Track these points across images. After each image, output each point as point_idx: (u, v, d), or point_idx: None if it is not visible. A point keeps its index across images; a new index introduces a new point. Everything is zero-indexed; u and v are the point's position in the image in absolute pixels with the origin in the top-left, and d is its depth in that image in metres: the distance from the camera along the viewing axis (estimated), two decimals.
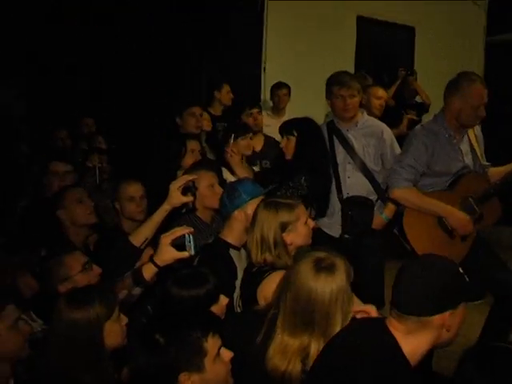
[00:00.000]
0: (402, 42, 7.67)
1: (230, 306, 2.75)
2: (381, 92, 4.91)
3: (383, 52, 7.53)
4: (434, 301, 1.88)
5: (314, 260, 2.22)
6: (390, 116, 5.16)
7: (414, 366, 1.90)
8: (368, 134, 4.02)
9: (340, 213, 3.96)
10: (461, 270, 1.94)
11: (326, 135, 4.04)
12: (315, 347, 2.14)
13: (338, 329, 2.13)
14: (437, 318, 1.88)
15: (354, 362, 1.90)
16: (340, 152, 4.00)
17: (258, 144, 5.14)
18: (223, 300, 2.61)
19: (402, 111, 6.44)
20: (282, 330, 2.20)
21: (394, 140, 4.12)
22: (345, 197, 3.97)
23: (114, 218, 3.89)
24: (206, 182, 3.53)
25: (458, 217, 3.47)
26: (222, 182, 3.85)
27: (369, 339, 1.95)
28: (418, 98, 6.89)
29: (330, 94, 4.02)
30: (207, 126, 5.37)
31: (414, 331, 1.90)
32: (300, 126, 3.97)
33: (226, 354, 2.05)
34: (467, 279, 1.93)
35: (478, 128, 3.79)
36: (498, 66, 8.54)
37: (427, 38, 7.74)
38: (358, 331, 2.04)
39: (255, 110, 5.35)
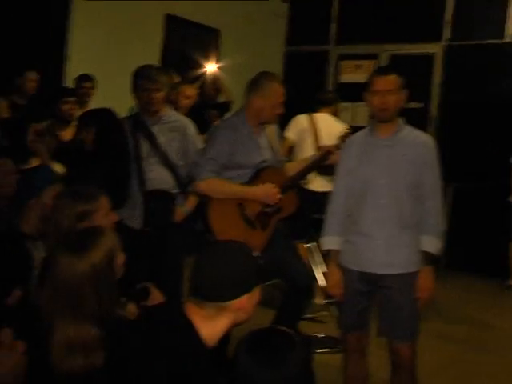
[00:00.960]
0: (208, 43, 7.84)
1: (24, 297, 2.65)
2: (189, 91, 4.96)
3: (190, 52, 7.64)
4: (232, 287, 1.92)
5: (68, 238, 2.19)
6: (193, 112, 5.24)
7: (213, 348, 1.94)
8: (172, 128, 4.07)
9: (142, 205, 3.97)
10: (254, 254, 2.02)
11: (129, 128, 4.02)
12: (70, 333, 2.05)
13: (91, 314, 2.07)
14: (235, 303, 1.92)
15: (150, 349, 1.89)
16: (144, 145, 4.00)
17: (69, 135, 4.97)
18: (16, 293, 2.50)
19: (203, 111, 6.55)
20: (53, 322, 2.10)
21: (197, 136, 4.22)
22: (147, 190, 3.98)
23: None
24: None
25: (262, 190, 3.64)
26: (19, 170, 3.70)
27: (165, 325, 1.96)
28: (220, 98, 7.07)
29: (135, 87, 4.01)
30: (5, 112, 5.09)
31: (213, 315, 1.93)
32: (99, 118, 3.91)
33: (19, 345, 1.97)
34: (261, 262, 2.02)
35: (274, 126, 3.99)
36: (295, 74, 9.07)
37: (231, 42, 7.99)
38: (152, 318, 2.05)
39: (73, 99, 5.13)
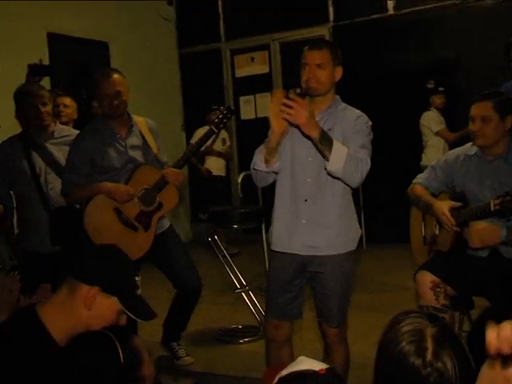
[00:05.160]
0: (98, 57, 7.74)
1: None
2: (68, 100, 4.93)
3: (79, 68, 7.52)
4: (91, 268, 2.03)
5: None
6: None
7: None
8: (66, 142, 4.03)
9: (48, 226, 3.90)
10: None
11: (21, 148, 3.97)
12: None
13: None
14: (85, 289, 1.99)
15: (8, 358, 1.90)
16: (39, 163, 3.96)
17: None
18: None
19: None
20: None
21: None
22: (52, 207, 3.94)
23: None
24: None
25: (114, 188, 3.63)
26: None
27: (18, 330, 1.98)
28: None
29: (20, 106, 4.00)
30: None
31: (64, 302, 2.00)
32: None
33: None
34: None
35: (151, 122, 3.99)
36: (192, 75, 9.18)
37: (122, 53, 7.91)
38: (8, 326, 2.05)
39: None
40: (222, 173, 8.18)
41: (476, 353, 1.55)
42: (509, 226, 3.05)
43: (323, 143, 2.79)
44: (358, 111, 3.10)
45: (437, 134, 7.18)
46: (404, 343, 1.50)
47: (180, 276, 3.92)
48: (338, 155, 2.80)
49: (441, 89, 7.32)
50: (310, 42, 3.08)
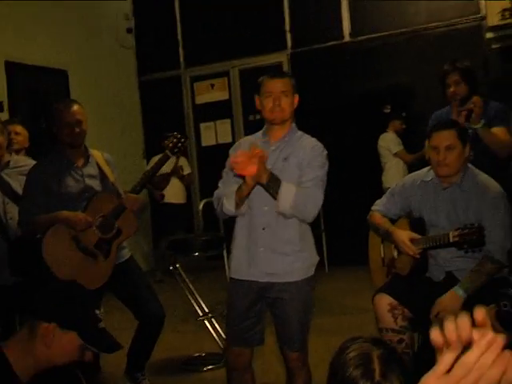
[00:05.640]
0: (57, 85, 7.71)
1: None
2: (19, 128, 4.89)
3: (38, 97, 7.48)
4: (49, 307, 2.04)
5: None
6: None
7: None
8: (22, 172, 4.01)
9: (7, 256, 3.84)
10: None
11: None
12: None
13: None
14: (43, 326, 1.99)
15: None
16: None
17: None
18: None
19: None
20: None
21: None
22: (11, 238, 3.90)
23: None
24: None
25: (72, 215, 3.61)
26: None
27: None
28: None
29: None
30: None
31: (26, 342, 2.01)
32: None
33: None
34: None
35: (107, 155, 4.02)
36: (153, 102, 9.23)
37: (81, 81, 7.91)
38: None
39: None
40: (181, 200, 8.13)
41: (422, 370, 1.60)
42: (462, 285, 3.14)
43: (271, 185, 2.87)
44: (313, 139, 3.16)
45: (395, 155, 7.31)
46: (352, 368, 1.54)
47: (144, 306, 3.91)
48: (285, 196, 2.87)
49: (403, 114, 7.48)
50: (268, 71, 3.17)
